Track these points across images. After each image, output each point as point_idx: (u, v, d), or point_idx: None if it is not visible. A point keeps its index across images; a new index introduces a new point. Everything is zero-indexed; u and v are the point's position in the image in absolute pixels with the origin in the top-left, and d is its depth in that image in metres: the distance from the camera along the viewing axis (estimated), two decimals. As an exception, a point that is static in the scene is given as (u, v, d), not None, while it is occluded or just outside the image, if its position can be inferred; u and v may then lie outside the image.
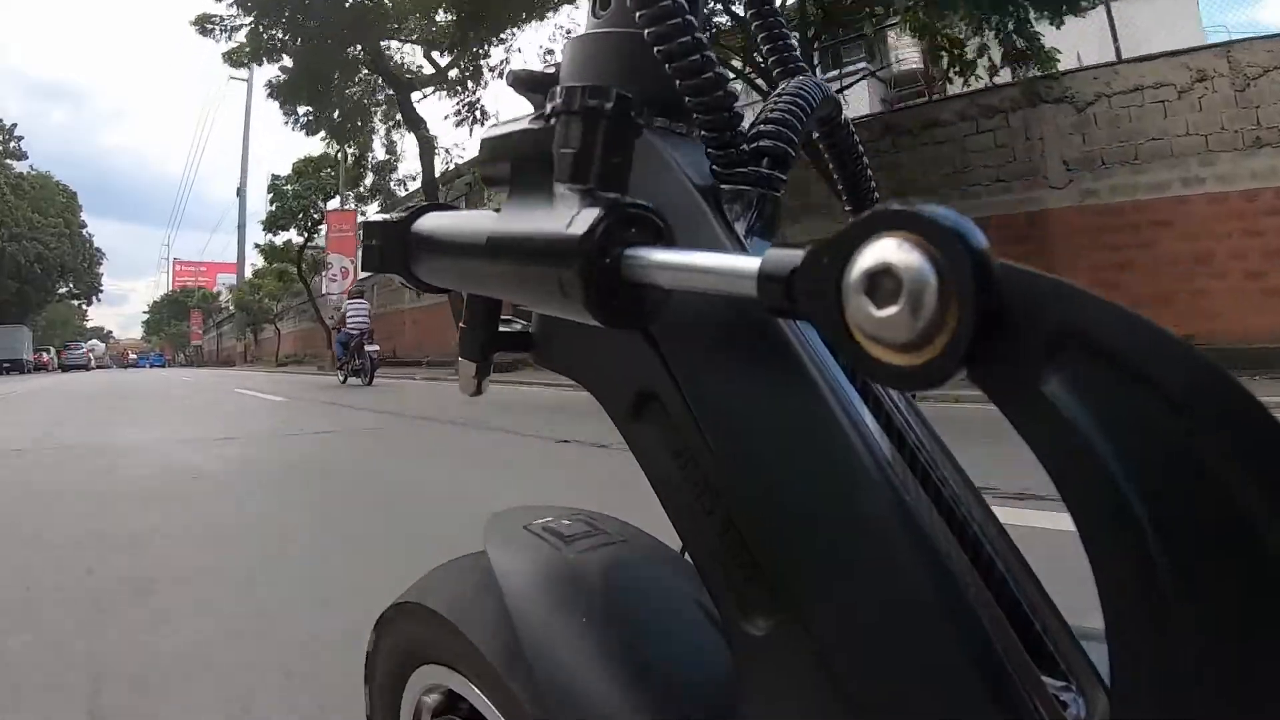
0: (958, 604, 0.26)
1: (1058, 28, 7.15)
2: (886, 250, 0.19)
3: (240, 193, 42.69)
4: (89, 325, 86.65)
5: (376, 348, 10.61)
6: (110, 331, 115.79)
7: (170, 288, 70.87)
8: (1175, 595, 0.18)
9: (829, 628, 0.28)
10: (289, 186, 22.80)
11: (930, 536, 0.26)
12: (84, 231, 44.09)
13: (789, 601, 0.30)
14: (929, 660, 0.26)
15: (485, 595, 0.46)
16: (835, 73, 11.10)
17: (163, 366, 58.04)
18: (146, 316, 71.46)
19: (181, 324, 62.55)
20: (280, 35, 13.00)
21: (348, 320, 10.83)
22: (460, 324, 0.43)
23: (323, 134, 16.24)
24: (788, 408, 0.29)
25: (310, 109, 14.83)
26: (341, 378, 11.19)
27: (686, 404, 0.32)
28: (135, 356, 69.72)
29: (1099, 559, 0.19)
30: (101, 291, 48.09)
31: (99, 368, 44.46)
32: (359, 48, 13.54)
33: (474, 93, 14.74)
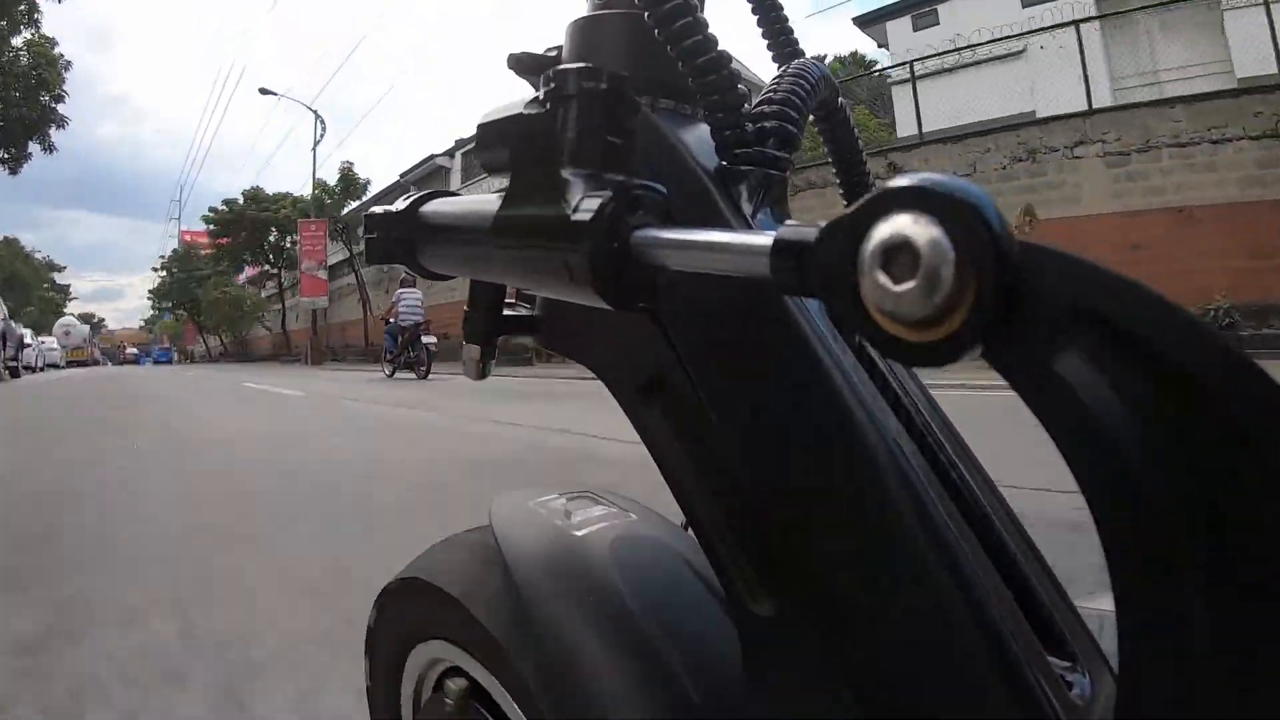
0: (964, 583, 0.26)
1: None
2: (903, 225, 0.19)
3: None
4: (71, 309, 62.22)
5: (434, 339, 10.07)
6: (103, 319, 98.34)
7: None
8: (1186, 578, 0.18)
9: (834, 607, 0.28)
10: None
11: (937, 516, 0.27)
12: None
13: (795, 581, 0.30)
14: (934, 638, 0.26)
15: (489, 570, 0.46)
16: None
17: (169, 363, 43.37)
18: (159, 279, 40.97)
19: (224, 278, 31.83)
20: None
21: (399, 311, 10.20)
22: (465, 308, 0.43)
23: None
24: (795, 387, 0.29)
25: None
26: (388, 371, 10.49)
27: (694, 385, 0.32)
28: (134, 351, 54.47)
29: (1111, 540, 0.19)
30: (60, 119, 18.84)
31: (72, 365, 29.47)
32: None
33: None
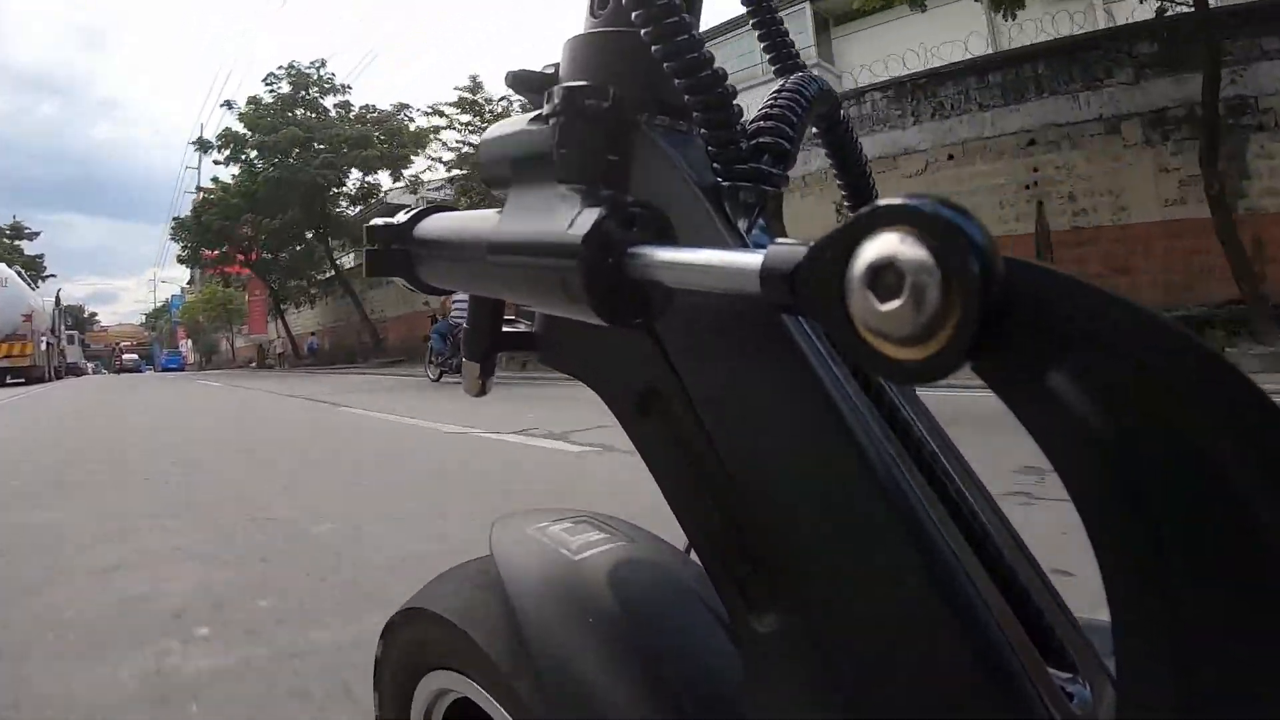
0: (963, 596, 0.26)
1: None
2: (889, 244, 0.19)
3: None
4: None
5: (495, 340, 8.53)
6: (95, 314, 77.13)
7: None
8: (1182, 588, 0.18)
9: (835, 622, 0.28)
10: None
11: (935, 529, 0.27)
12: None
13: (795, 597, 0.30)
14: (935, 653, 0.26)
15: (492, 599, 0.46)
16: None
17: (179, 369, 34.40)
18: (197, 201, 22.54)
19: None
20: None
21: (453, 308, 8.78)
22: (464, 325, 0.43)
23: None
24: (791, 403, 0.29)
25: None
26: (434, 374, 9.17)
27: (690, 401, 0.33)
28: (133, 357, 42.99)
29: (1105, 552, 0.19)
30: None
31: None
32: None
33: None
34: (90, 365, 37.22)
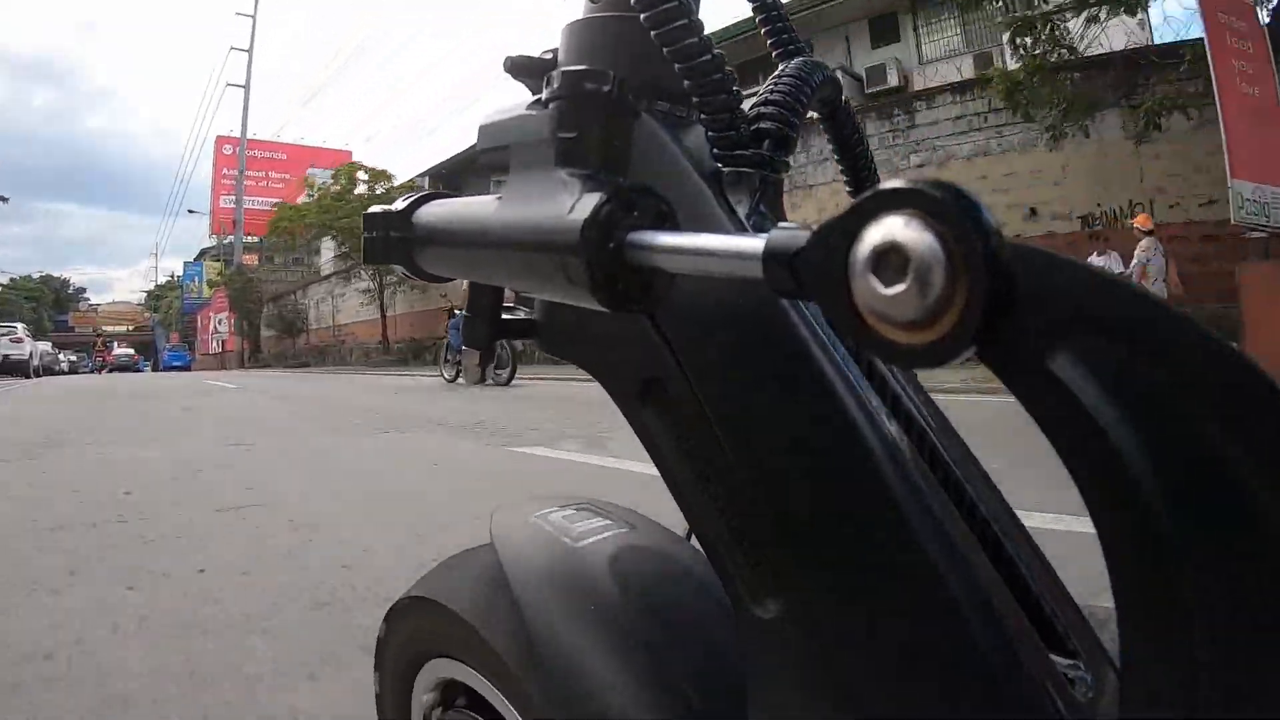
0: (965, 582, 0.26)
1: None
2: (893, 228, 0.19)
3: None
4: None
5: (519, 334, 7.56)
6: (83, 289, 62.85)
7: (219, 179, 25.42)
8: (1185, 575, 0.18)
9: (836, 608, 0.28)
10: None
11: (938, 517, 0.26)
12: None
13: (796, 583, 0.30)
14: (937, 638, 0.26)
15: (493, 587, 0.46)
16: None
17: (186, 368, 29.03)
18: None
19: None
20: None
21: None
22: (464, 312, 0.43)
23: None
24: (793, 390, 0.29)
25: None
26: (449, 375, 8.17)
27: (692, 388, 0.32)
28: (127, 352, 34.31)
29: (1109, 538, 0.19)
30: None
31: None
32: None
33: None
34: (65, 358, 27.56)
